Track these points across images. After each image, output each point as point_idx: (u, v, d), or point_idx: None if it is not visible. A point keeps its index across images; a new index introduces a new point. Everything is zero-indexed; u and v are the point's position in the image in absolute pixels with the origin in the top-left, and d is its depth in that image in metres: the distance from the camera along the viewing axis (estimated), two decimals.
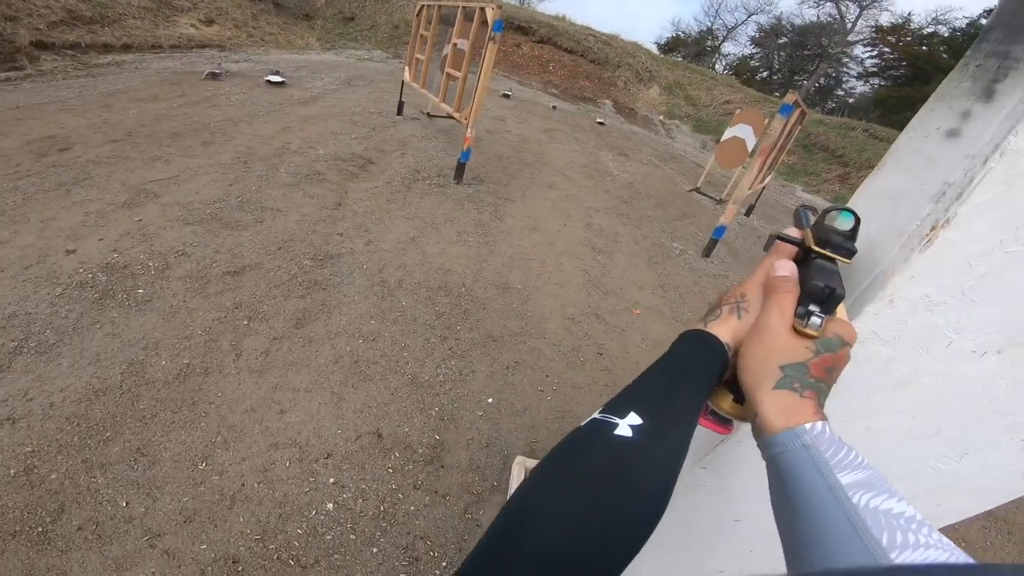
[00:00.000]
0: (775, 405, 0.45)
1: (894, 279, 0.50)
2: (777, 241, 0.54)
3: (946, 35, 24.85)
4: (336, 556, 1.61)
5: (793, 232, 0.53)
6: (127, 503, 1.59)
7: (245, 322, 2.40)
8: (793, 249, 0.53)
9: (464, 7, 4.81)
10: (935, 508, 0.80)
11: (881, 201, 0.55)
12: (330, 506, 1.74)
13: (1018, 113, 0.42)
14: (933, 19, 25.30)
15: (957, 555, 0.34)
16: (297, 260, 2.97)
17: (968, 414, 0.64)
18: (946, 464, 0.71)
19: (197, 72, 6.64)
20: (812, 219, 0.54)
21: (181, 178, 3.55)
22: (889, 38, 26.43)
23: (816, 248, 0.50)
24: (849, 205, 0.54)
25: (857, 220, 0.50)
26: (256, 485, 1.74)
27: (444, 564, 1.67)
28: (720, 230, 4.87)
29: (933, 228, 0.47)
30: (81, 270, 2.45)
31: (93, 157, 3.56)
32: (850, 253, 0.49)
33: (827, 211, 0.51)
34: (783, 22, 30.78)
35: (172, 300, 2.42)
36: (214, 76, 6.63)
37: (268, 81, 6.95)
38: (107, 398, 1.89)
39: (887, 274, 0.51)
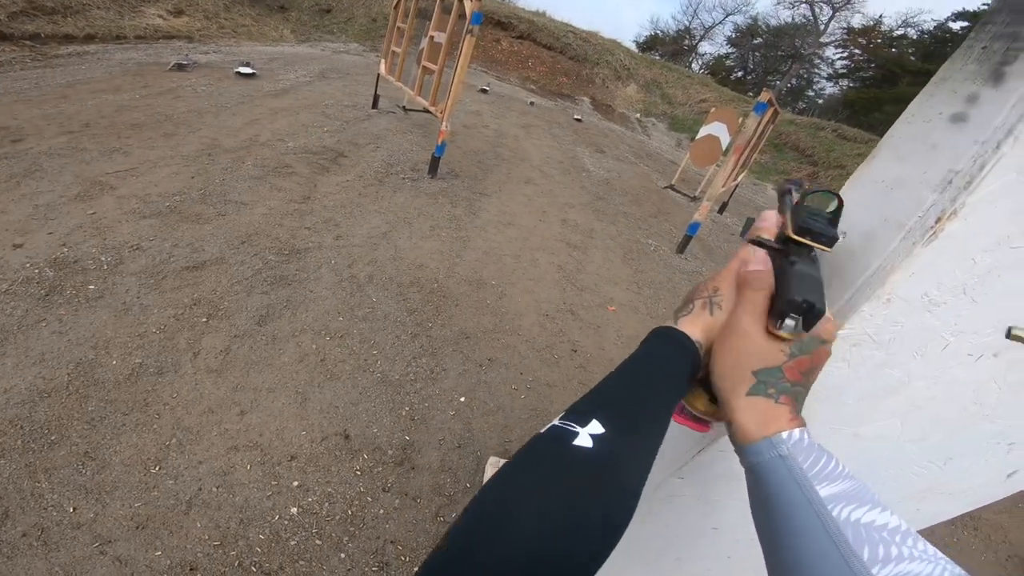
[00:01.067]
0: (749, 412, 0.43)
1: (893, 276, 0.47)
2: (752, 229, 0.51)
3: (915, 37, 25.61)
4: (302, 562, 1.55)
5: (768, 230, 0.50)
6: (74, 508, 1.51)
7: (204, 319, 2.31)
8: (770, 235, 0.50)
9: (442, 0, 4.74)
10: (914, 513, 0.79)
11: (876, 191, 0.51)
12: (294, 510, 1.68)
13: None
14: (903, 22, 26.06)
15: (942, 566, 0.33)
16: (261, 255, 2.87)
17: (957, 419, 0.62)
18: (929, 470, 0.69)
19: (163, 63, 6.40)
20: (796, 198, 0.51)
21: (140, 170, 3.40)
22: (860, 40, 27.14)
23: (794, 236, 0.46)
24: (840, 195, 0.51)
25: (840, 202, 0.47)
26: (214, 489, 1.67)
27: (415, 569, 1.62)
28: (694, 227, 4.91)
29: (939, 220, 0.44)
30: (28, 265, 2.31)
31: (46, 148, 3.38)
32: (831, 241, 0.45)
33: (807, 193, 0.48)
34: (759, 23, 31.37)
35: (125, 296, 2.31)
36: (181, 67, 6.40)
37: (238, 73, 6.75)
38: (52, 399, 1.78)
39: (886, 270, 0.47)
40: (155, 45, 7.78)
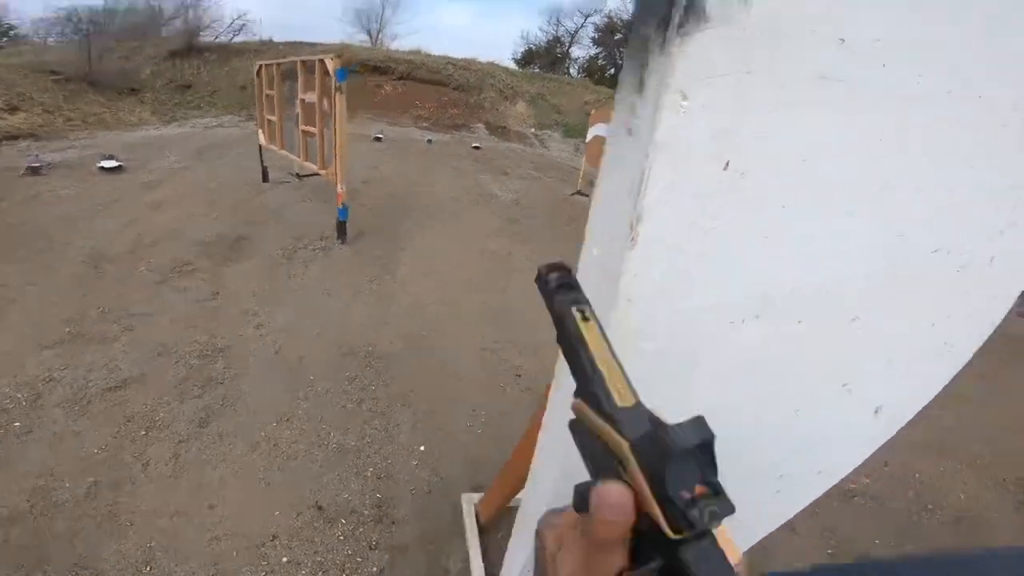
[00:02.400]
0: None
1: (623, 279, 0.50)
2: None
3: None
4: None
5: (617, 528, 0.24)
6: None
7: (143, 433, 2.27)
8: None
9: (303, 61, 4.72)
10: (812, 467, 0.84)
11: (606, 208, 0.55)
12: None
13: (657, 97, 0.42)
14: None
15: None
16: (183, 361, 2.81)
17: (777, 374, 0.66)
18: (800, 420, 0.73)
19: (13, 169, 5.87)
20: (572, 297, 0.31)
21: (23, 299, 3.17)
22: None
23: (674, 535, 0.22)
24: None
25: (712, 436, 0.24)
26: None
27: None
28: None
29: (631, 226, 0.47)
30: None
31: None
32: (728, 509, 0.23)
33: (659, 431, 0.25)
34: (614, 19, 33.13)
35: (54, 427, 2.24)
36: (34, 171, 5.90)
37: (101, 168, 6.31)
38: (21, 525, 1.80)
39: (615, 275, 0.50)
40: None
